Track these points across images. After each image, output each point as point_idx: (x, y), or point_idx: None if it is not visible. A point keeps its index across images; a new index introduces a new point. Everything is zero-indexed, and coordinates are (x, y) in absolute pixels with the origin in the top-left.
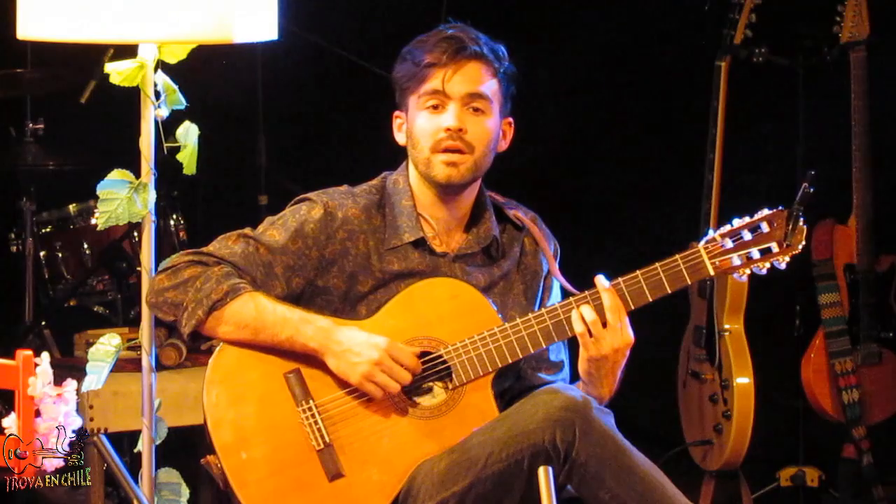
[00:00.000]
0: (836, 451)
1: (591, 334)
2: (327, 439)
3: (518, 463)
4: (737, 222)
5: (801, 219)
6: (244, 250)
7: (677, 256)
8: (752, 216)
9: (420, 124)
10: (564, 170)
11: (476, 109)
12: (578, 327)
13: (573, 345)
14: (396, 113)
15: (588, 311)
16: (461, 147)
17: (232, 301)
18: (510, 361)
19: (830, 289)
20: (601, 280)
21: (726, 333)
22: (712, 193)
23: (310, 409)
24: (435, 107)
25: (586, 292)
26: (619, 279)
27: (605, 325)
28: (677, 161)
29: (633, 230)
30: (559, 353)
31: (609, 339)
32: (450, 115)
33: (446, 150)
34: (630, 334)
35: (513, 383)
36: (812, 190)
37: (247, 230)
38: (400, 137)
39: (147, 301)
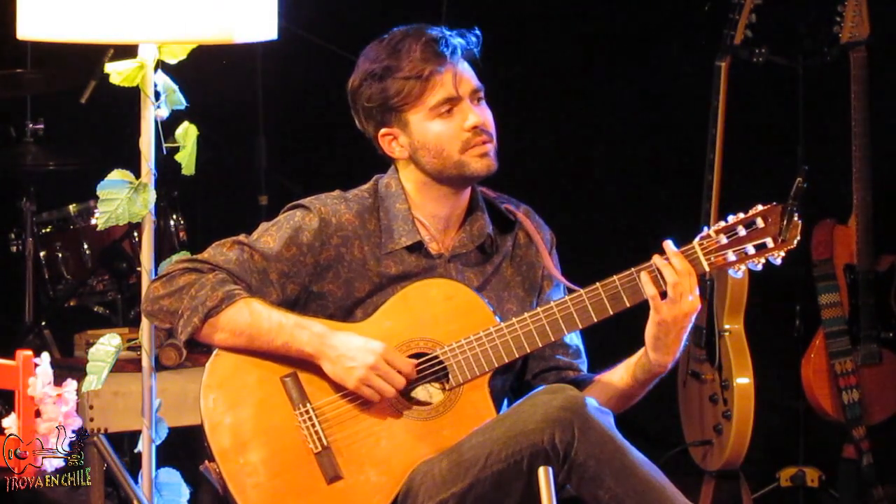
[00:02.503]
0: (836, 451)
1: (664, 297)
2: (325, 442)
3: (517, 463)
4: (731, 218)
5: (796, 214)
6: (239, 257)
7: None
8: (746, 212)
9: (438, 132)
10: (564, 169)
11: (480, 99)
12: (650, 289)
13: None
14: (384, 131)
15: (668, 273)
16: (486, 138)
17: (227, 308)
18: (506, 361)
19: (830, 289)
20: (670, 245)
21: (726, 333)
22: (712, 193)
23: (307, 412)
24: (448, 111)
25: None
26: (615, 276)
27: (674, 289)
28: (677, 161)
29: (633, 230)
30: (573, 339)
31: (680, 303)
32: (469, 114)
33: (475, 146)
34: (698, 300)
35: (528, 374)
36: (806, 185)
37: (241, 237)
38: (399, 153)
39: (143, 309)
